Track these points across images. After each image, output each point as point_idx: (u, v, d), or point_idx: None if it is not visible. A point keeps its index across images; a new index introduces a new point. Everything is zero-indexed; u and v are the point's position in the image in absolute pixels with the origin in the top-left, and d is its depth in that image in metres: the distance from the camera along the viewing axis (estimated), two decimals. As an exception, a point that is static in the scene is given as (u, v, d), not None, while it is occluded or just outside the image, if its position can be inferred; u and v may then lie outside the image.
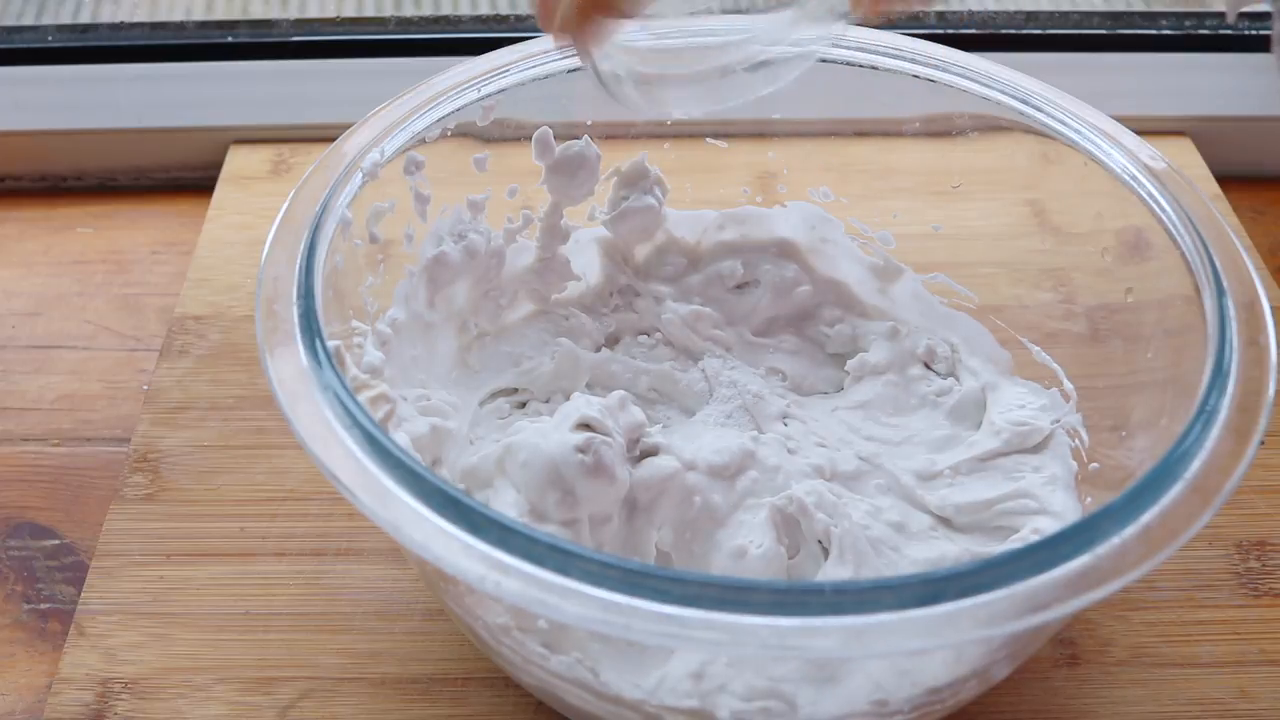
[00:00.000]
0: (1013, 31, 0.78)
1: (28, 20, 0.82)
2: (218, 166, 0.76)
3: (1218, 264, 0.49)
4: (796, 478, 0.54)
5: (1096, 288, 0.57)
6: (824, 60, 0.59)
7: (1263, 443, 0.43)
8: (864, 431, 0.57)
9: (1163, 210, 0.51)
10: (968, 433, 0.57)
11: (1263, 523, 0.58)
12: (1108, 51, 0.79)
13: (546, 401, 0.58)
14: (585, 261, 0.62)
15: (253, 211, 0.72)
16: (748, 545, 0.51)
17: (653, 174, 0.62)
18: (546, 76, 0.57)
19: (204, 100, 0.78)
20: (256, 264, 0.48)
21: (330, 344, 0.46)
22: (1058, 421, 0.56)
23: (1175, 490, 0.41)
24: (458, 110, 0.56)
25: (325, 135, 0.56)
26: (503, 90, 0.57)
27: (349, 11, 0.84)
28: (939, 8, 0.44)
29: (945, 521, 0.54)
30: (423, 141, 0.55)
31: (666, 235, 0.63)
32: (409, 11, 0.83)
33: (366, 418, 0.43)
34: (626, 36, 0.48)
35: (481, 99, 0.56)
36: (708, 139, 0.64)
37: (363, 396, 0.48)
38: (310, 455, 0.42)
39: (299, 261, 0.48)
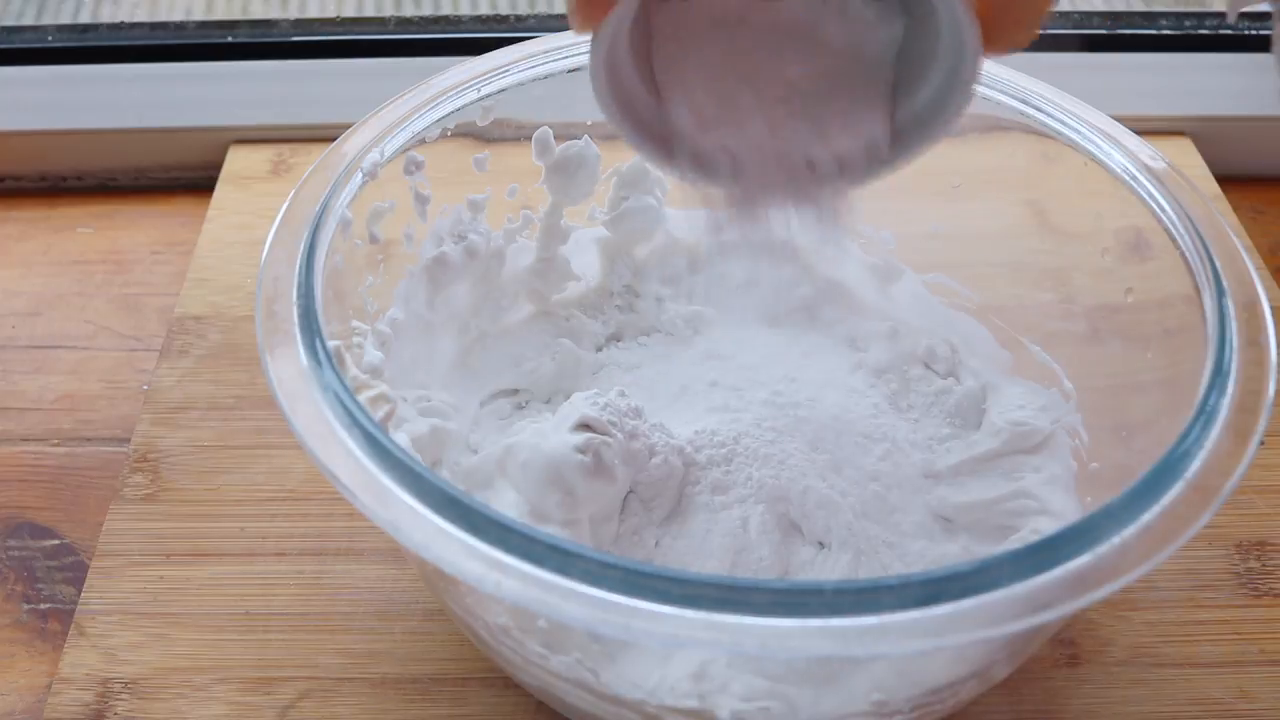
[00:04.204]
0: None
1: (28, 20, 0.82)
2: (218, 166, 0.76)
3: (1218, 264, 0.49)
4: (796, 478, 0.54)
5: (1096, 288, 0.57)
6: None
7: (1263, 443, 0.43)
8: (864, 431, 0.57)
9: (1163, 210, 0.51)
10: (968, 433, 0.57)
11: (1263, 523, 0.58)
12: (1108, 51, 0.79)
13: (547, 402, 0.58)
14: (585, 262, 0.62)
15: (253, 211, 0.72)
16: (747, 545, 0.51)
17: (653, 174, 0.62)
18: (546, 76, 0.57)
19: (204, 100, 0.78)
20: (256, 264, 0.48)
21: (330, 344, 0.46)
22: (1058, 421, 0.56)
23: (1175, 490, 0.41)
24: (458, 110, 0.56)
25: (325, 135, 0.56)
26: (503, 90, 0.57)
27: (349, 11, 0.84)
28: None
29: (945, 521, 0.54)
30: (423, 141, 0.55)
31: (666, 235, 0.63)
32: (409, 11, 0.83)
33: (366, 418, 0.43)
34: None
35: (481, 99, 0.56)
36: (708, 139, 0.63)
37: (363, 396, 0.48)
38: (310, 455, 0.42)
39: (299, 261, 0.48)
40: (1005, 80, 0.57)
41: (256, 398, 0.62)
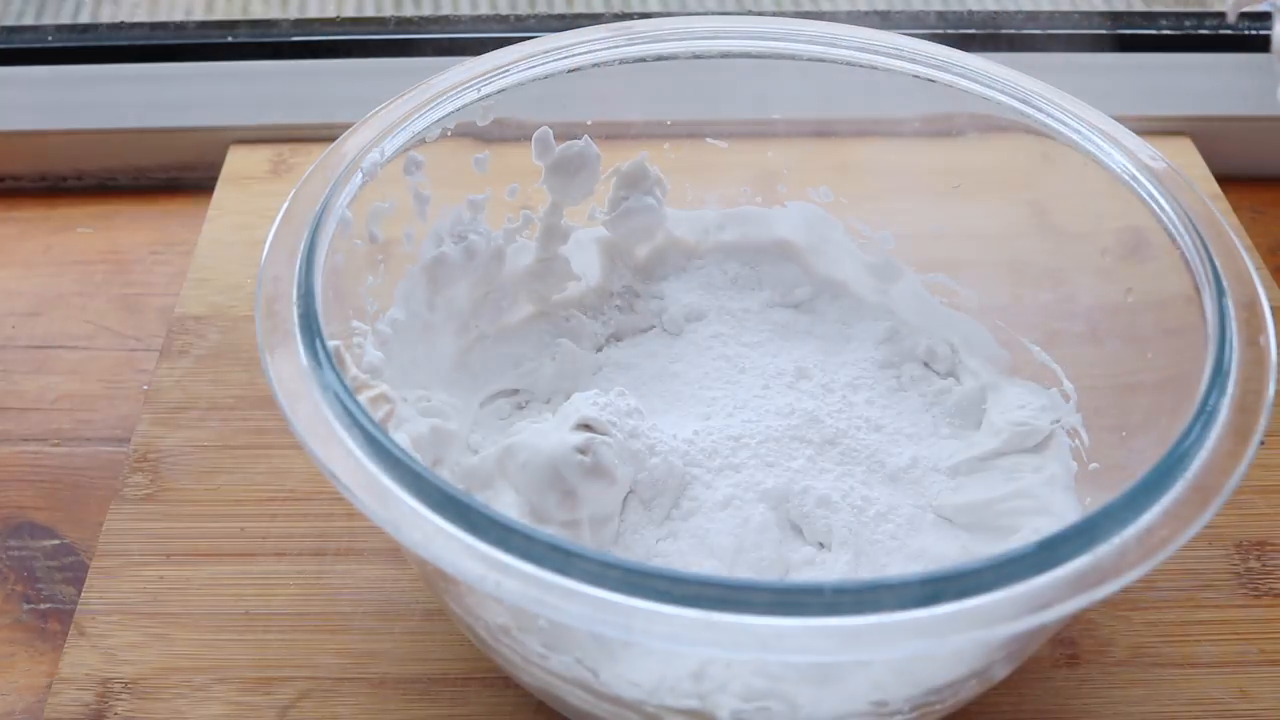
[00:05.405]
0: (1013, 31, 0.78)
1: (28, 20, 0.82)
2: (218, 166, 0.76)
3: (1218, 264, 0.49)
4: (796, 478, 0.54)
5: (1096, 288, 0.57)
6: (824, 60, 0.59)
7: (1263, 443, 0.43)
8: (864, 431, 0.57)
9: (1163, 210, 0.51)
10: (968, 433, 0.57)
11: (1263, 523, 0.58)
12: (1108, 51, 0.79)
13: (547, 402, 0.58)
14: (585, 261, 0.62)
15: (253, 211, 0.72)
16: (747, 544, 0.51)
17: (653, 174, 0.62)
18: (546, 76, 0.57)
19: (204, 100, 0.78)
20: (256, 264, 0.48)
21: (330, 344, 0.46)
22: (1058, 421, 0.56)
23: (1175, 490, 0.41)
24: (458, 110, 0.56)
25: (325, 135, 0.56)
26: (503, 90, 0.57)
27: (349, 11, 0.84)
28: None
29: (945, 521, 0.54)
30: (423, 141, 0.55)
31: (666, 235, 0.63)
32: (409, 11, 0.83)
33: (366, 418, 0.43)
34: None
35: (481, 99, 0.56)
36: (708, 139, 0.64)
37: (363, 396, 0.48)
38: (310, 455, 0.42)
39: (299, 261, 0.48)
40: (1005, 80, 0.57)
41: (256, 398, 0.62)
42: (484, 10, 0.84)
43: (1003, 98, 0.57)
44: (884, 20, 0.79)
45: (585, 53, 0.58)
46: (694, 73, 0.60)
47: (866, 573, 0.51)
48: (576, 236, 0.62)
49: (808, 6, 0.86)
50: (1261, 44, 0.77)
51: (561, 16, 0.82)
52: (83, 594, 0.55)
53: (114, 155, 0.78)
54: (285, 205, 0.50)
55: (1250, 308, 0.47)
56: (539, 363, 0.59)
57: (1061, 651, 0.53)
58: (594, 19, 0.80)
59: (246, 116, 0.77)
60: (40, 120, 0.78)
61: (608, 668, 0.45)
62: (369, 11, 0.84)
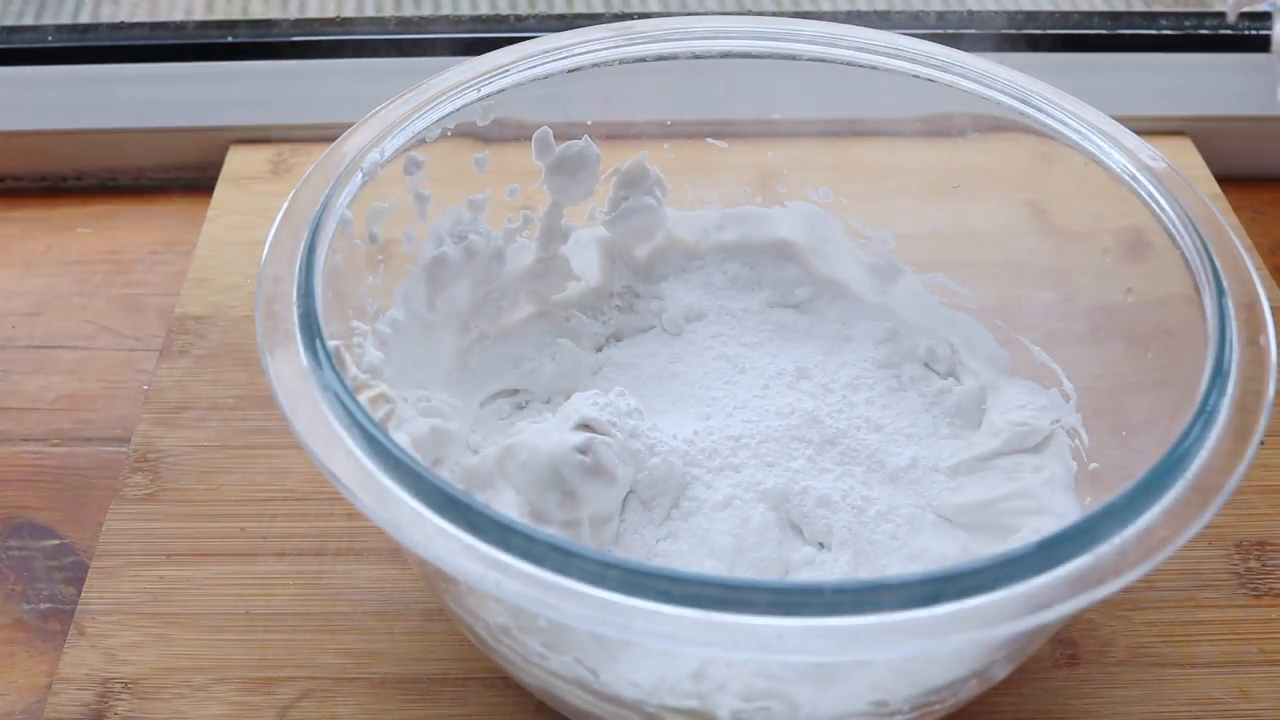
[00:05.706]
0: (1013, 31, 0.78)
1: (28, 20, 0.82)
2: (218, 166, 0.76)
3: (1218, 264, 0.49)
4: (796, 478, 0.54)
5: (1096, 288, 0.57)
6: (824, 60, 0.59)
7: (1263, 443, 0.43)
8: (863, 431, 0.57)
9: (1163, 210, 0.51)
10: (968, 433, 0.57)
11: (1263, 523, 0.58)
12: (1108, 51, 0.79)
13: (547, 402, 0.58)
14: (585, 261, 0.62)
15: (253, 211, 0.72)
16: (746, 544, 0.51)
17: (653, 174, 0.62)
18: (546, 76, 0.57)
19: (204, 100, 0.78)
20: (256, 264, 0.48)
21: (330, 344, 0.46)
22: (1058, 421, 0.56)
23: (1175, 490, 0.41)
24: (458, 110, 0.56)
25: (325, 135, 0.56)
26: (503, 90, 0.57)
27: (349, 11, 0.84)
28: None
29: (945, 521, 0.54)
30: (423, 141, 0.55)
31: (666, 235, 0.63)
32: (409, 11, 0.83)
33: (366, 418, 0.43)
34: None
35: (481, 99, 0.56)
36: (708, 139, 0.64)
37: (363, 396, 0.48)
38: (310, 455, 0.42)
39: (299, 261, 0.48)
40: (1005, 80, 0.57)
41: (256, 398, 0.62)
42: (484, 10, 0.84)
43: (1003, 98, 0.57)
44: (884, 20, 0.79)
45: (585, 53, 0.58)
46: (694, 73, 0.60)
47: (866, 573, 0.51)
48: (576, 236, 0.62)
49: (808, 6, 0.86)
50: (1261, 44, 0.77)
51: (561, 16, 0.82)
52: (83, 594, 0.55)
53: (114, 155, 0.78)
54: (285, 205, 0.50)
55: (1250, 308, 0.47)
56: (539, 363, 0.59)
57: (1061, 651, 0.53)
58: (594, 19, 0.80)
59: (246, 116, 0.77)
60: (40, 120, 0.78)
61: (608, 668, 0.45)
62: (369, 11, 0.84)
